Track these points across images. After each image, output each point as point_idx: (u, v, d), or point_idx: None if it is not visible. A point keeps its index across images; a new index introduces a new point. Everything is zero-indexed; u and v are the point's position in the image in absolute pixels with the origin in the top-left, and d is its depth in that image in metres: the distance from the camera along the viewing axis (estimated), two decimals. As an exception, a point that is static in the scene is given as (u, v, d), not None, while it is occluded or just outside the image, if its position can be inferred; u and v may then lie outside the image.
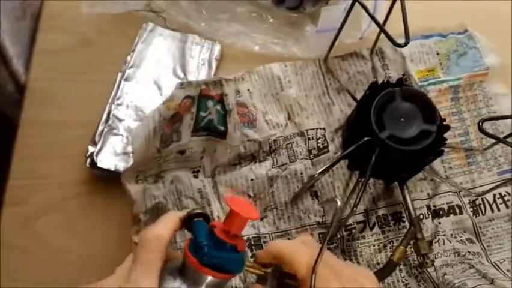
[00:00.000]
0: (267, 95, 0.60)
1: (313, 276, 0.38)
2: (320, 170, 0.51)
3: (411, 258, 0.55)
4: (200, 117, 0.55)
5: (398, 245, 0.51)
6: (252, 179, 0.56)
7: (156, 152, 0.54)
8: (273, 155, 0.58)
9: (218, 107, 0.56)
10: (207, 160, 0.57)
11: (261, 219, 0.56)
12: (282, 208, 0.56)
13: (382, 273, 0.50)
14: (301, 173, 0.57)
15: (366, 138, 0.49)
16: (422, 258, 0.51)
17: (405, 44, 0.46)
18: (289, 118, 0.60)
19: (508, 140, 0.51)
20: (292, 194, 0.56)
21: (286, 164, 0.57)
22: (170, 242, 0.38)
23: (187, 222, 0.39)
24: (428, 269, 0.54)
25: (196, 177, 0.56)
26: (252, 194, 0.56)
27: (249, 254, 0.54)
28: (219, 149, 0.56)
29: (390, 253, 0.52)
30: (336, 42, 0.59)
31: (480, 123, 0.44)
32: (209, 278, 0.36)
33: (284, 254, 0.41)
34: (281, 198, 0.56)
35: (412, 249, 0.53)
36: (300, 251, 0.42)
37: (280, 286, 0.43)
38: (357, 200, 0.51)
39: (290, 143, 0.58)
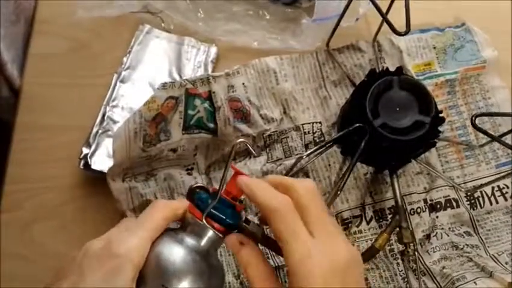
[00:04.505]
0: (262, 89, 0.59)
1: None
2: (309, 152, 0.50)
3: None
4: (189, 116, 0.55)
5: (382, 231, 0.51)
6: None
7: (141, 151, 0.53)
8: (267, 150, 0.58)
9: (206, 104, 0.56)
10: (201, 157, 0.56)
11: (257, 214, 0.55)
12: (277, 203, 0.56)
13: (362, 258, 0.50)
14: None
15: (357, 124, 0.48)
16: (404, 246, 0.51)
17: (406, 33, 0.45)
18: (284, 112, 0.59)
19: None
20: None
21: (281, 159, 0.57)
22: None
23: (189, 195, 0.42)
24: (427, 262, 0.54)
25: (190, 174, 0.56)
26: None
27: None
28: (211, 145, 0.56)
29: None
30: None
31: (473, 119, 0.43)
32: (210, 232, 0.40)
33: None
34: (277, 193, 0.56)
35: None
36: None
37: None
38: (343, 181, 0.50)
39: (285, 137, 0.58)
